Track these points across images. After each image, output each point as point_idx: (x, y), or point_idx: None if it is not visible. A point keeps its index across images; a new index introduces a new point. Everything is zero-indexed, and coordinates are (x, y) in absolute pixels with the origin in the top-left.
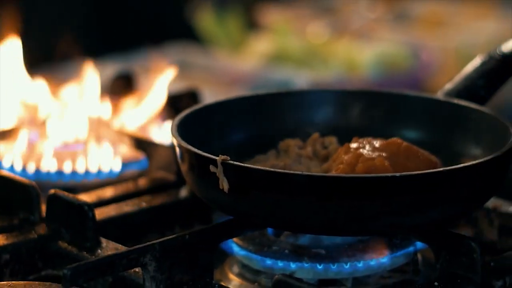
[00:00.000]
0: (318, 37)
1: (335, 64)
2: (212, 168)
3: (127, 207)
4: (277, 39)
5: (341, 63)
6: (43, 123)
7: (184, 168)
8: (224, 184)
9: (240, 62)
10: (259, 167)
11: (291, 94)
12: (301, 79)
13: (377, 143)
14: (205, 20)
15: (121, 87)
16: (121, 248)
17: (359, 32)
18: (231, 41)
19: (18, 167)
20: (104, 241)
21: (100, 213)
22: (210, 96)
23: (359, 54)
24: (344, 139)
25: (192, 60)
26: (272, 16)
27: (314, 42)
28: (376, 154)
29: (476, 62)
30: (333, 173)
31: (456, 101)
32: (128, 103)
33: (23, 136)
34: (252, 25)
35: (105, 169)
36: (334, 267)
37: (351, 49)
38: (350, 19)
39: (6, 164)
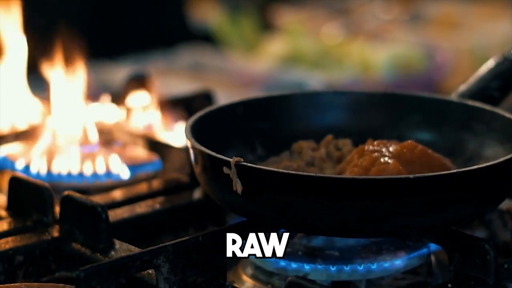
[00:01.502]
0: (332, 39)
1: (349, 65)
2: (225, 169)
3: (140, 208)
4: (291, 41)
5: (355, 64)
6: (57, 125)
7: (197, 169)
8: (238, 186)
9: (254, 63)
10: (273, 169)
11: (304, 95)
12: (315, 80)
13: (391, 147)
14: (219, 21)
15: (135, 88)
16: (135, 249)
17: (373, 34)
18: (245, 42)
19: (32, 169)
20: (117, 243)
21: (114, 215)
22: (224, 97)
23: (373, 55)
24: (358, 141)
25: (206, 62)
26: (286, 18)
27: (328, 43)
28: (390, 157)
29: (490, 63)
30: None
31: (470, 102)
32: (142, 105)
33: (37, 137)
34: (266, 27)
35: (119, 171)
36: (347, 268)
37: (365, 51)
38: (364, 21)
39: (20, 165)
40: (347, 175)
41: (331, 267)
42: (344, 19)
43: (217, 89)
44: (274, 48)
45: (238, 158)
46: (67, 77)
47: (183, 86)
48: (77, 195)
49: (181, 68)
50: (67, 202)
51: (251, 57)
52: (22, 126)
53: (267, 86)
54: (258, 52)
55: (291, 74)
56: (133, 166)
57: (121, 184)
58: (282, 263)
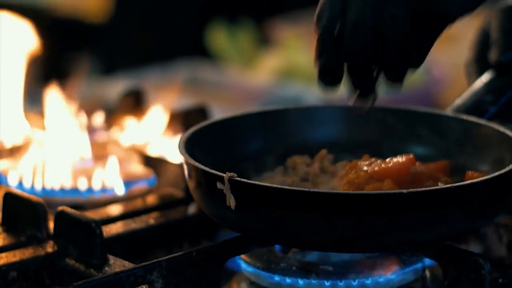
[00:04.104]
0: None
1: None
2: (219, 185)
3: (134, 224)
4: (288, 55)
5: None
6: (51, 140)
7: (191, 185)
8: (231, 201)
9: (251, 78)
10: (266, 184)
11: (299, 110)
12: (312, 95)
13: (385, 163)
14: (216, 36)
15: (130, 103)
16: (129, 265)
17: None
18: (242, 57)
19: (26, 184)
20: (111, 258)
21: (108, 230)
22: (219, 112)
23: None
24: (353, 156)
25: (202, 76)
26: (283, 32)
27: None
28: (384, 175)
29: (485, 77)
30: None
31: (464, 117)
32: (137, 120)
33: (31, 153)
34: (263, 41)
35: (113, 186)
36: (341, 284)
37: None
38: None
39: (14, 181)
40: (340, 190)
41: (325, 282)
42: None
43: (213, 103)
44: (271, 63)
45: (232, 173)
46: (62, 92)
47: (179, 101)
48: (71, 210)
49: (177, 83)
50: (61, 217)
51: (248, 72)
52: (16, 141)
53: (264, 101)
54: (255, 67)
55: (288, 89)
56: (127, 182)
57: (115, 200)
58: (277, 278)
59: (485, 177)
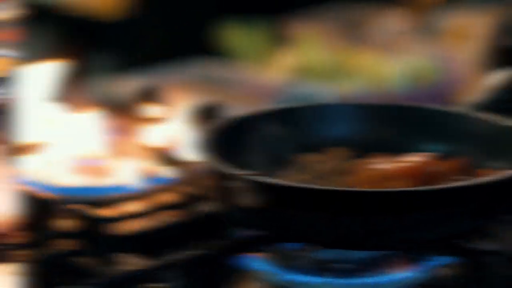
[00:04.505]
0: (344, 51)
1: (361, 77)
2: (236, 183)
3: (150, 222)
4: (303, 53)
5: (367, 76)
6: (68, 137)
7: (209, 183)
8: (249, 201)
9: (265, 76)
10: (284, 182)
11: (312, 107)
12: (327, 93)
13: (400, 162)
14: (231, 33)
15: (145, 101)
16: (143, 263)
17: (386, 45)
18: (256, 55)
19: (39, 182)
20: (124, 257)
21: (122, 228)
22: (234, 111)
23: (385, 67)
24: (368, 154)
25: (216, 75)
26: (298, 30)
27: (340, 56)
28: (399, 173)
29: (503, 73)
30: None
31: (481, 114)
32: (153, 118)
33: (48, 150)
34: (278, 38)
35: (129, 184)
36: (358, 281)
37: (378, 63)
38: (376, 32)
39: (27, 178)
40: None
41: (340, 280)
42: (356, 31)
43: (228, 102)
44: (286, 61)
45: (249, 171)
46: (80, 89)
47: (194, 99)
48: (84, 208)
49: (192, 81)
50: (74, 215)
51: (263, 70)
52: (34, 138)
53: (279, 99)
54: (270, 65)
55: (303, 87)
56: (145, 179)
57: (131, 197)
58: (291, 276)
59: (499, 176)
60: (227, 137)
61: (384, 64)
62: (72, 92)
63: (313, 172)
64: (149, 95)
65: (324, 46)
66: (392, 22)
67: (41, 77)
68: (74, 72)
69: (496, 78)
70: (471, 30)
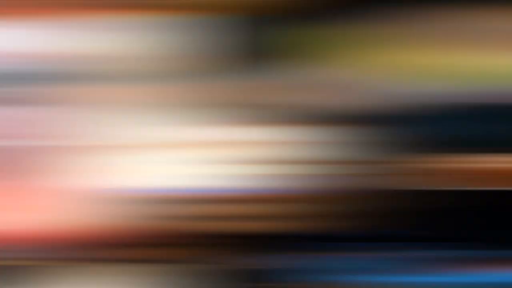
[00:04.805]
0: (447, 50)
1: (476, 76)
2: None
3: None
4: (398, 52)
5: (479, 75)
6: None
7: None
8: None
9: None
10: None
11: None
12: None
13: None
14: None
15: None
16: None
17: (494, 43)
18: (354, 53)
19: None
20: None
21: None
22: None
23: (499, 65)
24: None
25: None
26: (386, 28)
27: (444, 56)
28: None
29: None
30: None
31: None
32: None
33: (150, 151)
34: (376, 37)
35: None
36: (447, 279)
37: (491, 60)
38: (489, 30)
39: (124, 179)
40: None
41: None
42: (462, 30)
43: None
44: (383, 59)
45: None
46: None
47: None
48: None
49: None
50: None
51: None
52: (135, 139)
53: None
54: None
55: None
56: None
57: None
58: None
59: None
60: None
61: (497, 61)
62: None
63: None
64: None
65: (415, 46)
66: (497, 19)
67: None
68: None
69: None
70: None
